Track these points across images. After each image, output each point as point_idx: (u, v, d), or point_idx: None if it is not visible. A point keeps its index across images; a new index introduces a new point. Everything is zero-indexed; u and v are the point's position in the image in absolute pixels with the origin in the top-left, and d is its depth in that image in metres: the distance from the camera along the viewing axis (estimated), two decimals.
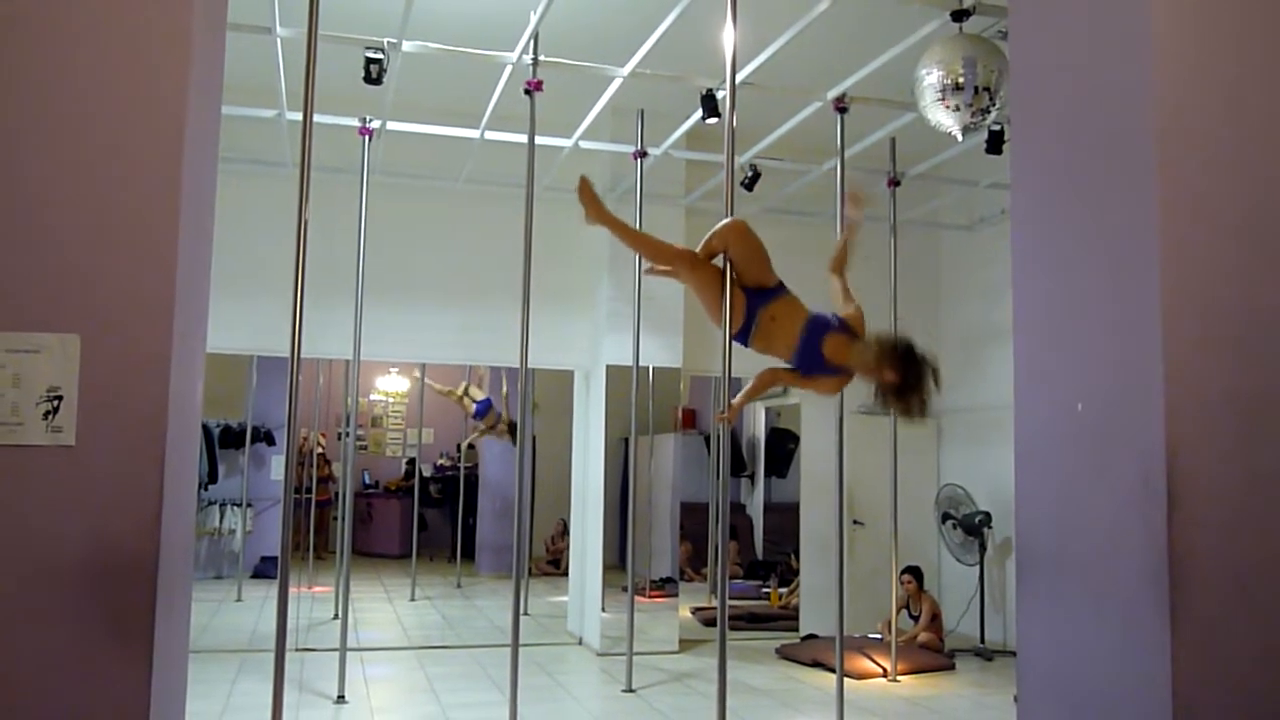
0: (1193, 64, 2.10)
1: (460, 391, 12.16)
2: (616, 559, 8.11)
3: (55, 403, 2.06)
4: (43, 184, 2.13)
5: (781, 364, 4.18)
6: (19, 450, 2.05)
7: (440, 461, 14.12)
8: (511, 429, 11.54)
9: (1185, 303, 2.02)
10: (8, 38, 2.14)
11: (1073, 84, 2.31)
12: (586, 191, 4.28)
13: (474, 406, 11.98)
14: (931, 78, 5.04)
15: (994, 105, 5.04)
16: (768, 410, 11.68)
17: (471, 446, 12.56)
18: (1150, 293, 2.03)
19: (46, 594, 2.04)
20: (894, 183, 7.32)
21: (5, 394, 2.04)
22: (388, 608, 9.96)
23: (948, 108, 5.06)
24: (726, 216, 4.45)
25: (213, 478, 10.97)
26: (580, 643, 8.19)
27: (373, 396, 14.74)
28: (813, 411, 8.78)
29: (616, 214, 7.66)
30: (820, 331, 4.02)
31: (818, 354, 4.03)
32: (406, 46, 5.59)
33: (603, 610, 7.82)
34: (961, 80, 4.96)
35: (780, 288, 4.21)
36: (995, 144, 6.28)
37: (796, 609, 8.80)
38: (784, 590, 9.68)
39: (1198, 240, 2.05)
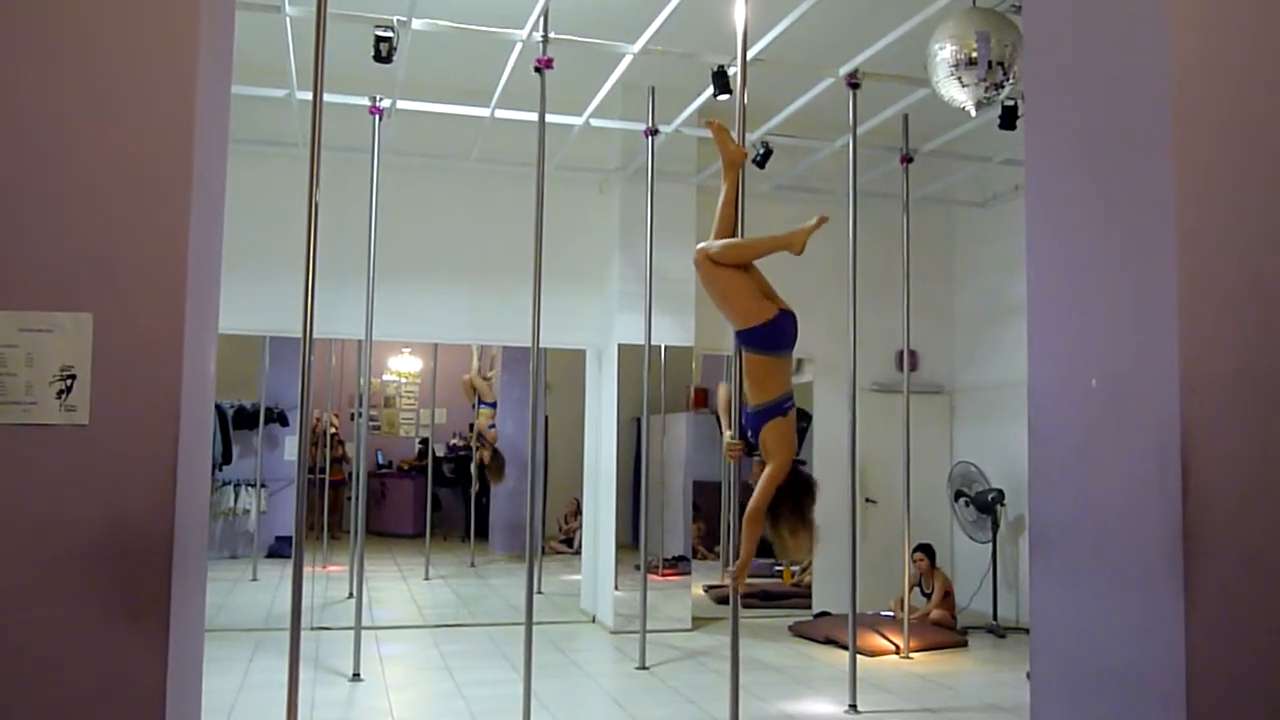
0: (1209, 37, 2.07)
1: (474, 371, 12.20)
2: (629, 538, 8.13)
3: (69, 382, 2.07)
4: (54, 165, 2.13)
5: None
6: (33, 429, 2.05)
7: (453, 441, 14.15)
8: (495, 460, 11.63)
9: (1201, 278, 2.00)
10: (18, 20, 2.14)
11: (1087, 58, 2.29)
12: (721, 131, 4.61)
13: (483, 404, 12.05)
14: (945, 53, 5.00)
15: (1008, 80, 5.00)
16: None
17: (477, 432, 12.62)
18: (1166, 268, 2.01)
19: (63, 572, 2.05)
20: (907, 159, 7.28)
21: (19, 373, 2.05)
22: (402, 586, 10.01)
23: (961, 83, 5.02)
24: (740, 193, 4.46)
25: (227, 458, 11.03)
26: (594, 620, 8.22)
27: (385, 377, 14.77)
28: (825, 390, 8.77)
29: (627, 193, 7.71)
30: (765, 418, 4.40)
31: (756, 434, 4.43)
32: (416, 24, 5.58)
33: (616, 588, 7.85)
34: (975, 55, 4.92)
35: (747, 335, 4.37)
36: (1009, 119, 6.23)
37: (809, 587, 8.82)
38: (796, 568, 9.70)
39: (1214, 216, 2.03)
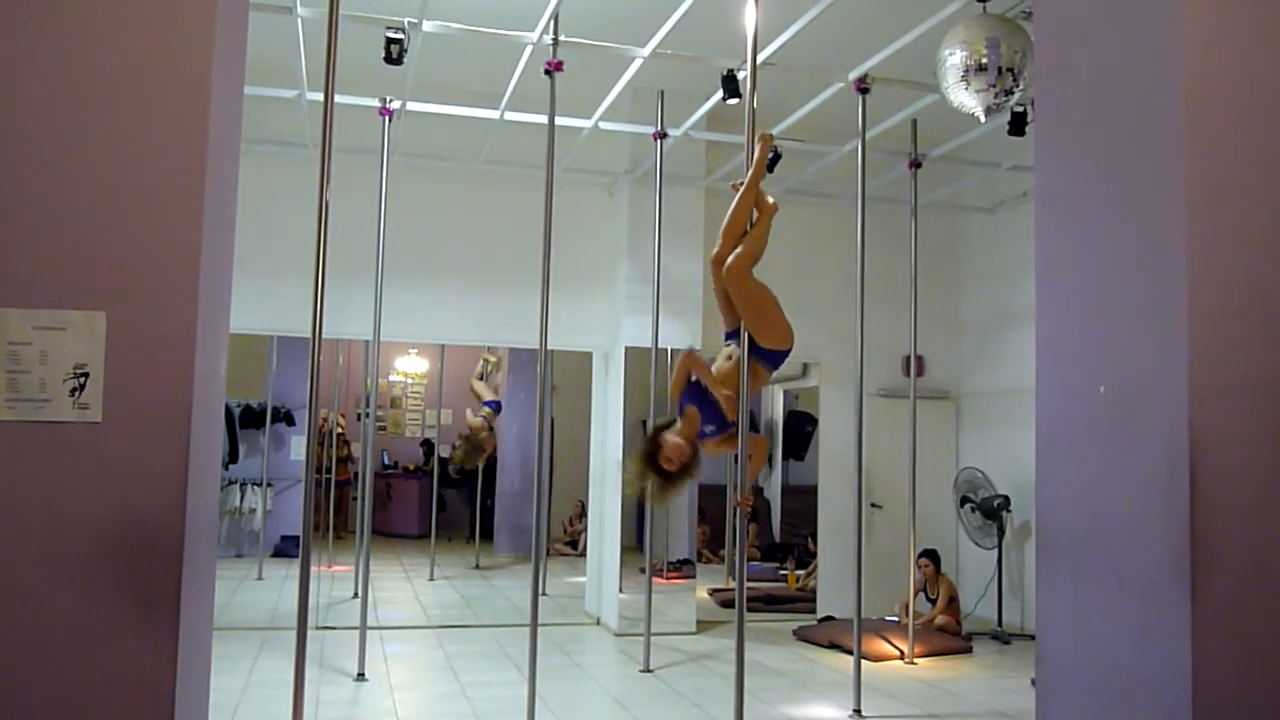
0: (1222, 44, 2.07)
1: (479, 371, 12.19)
2: (634, 540, 8.12)
3: (82, 379, 2.08)
4: (69, 165, 2.14)
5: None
6: (47, 426, 2.07)
7: (459, 442, 14.16)
8: (469, 445, 11.58)
9: (1212, 287, 2.00)
10: (34, 21, 2.15)
11: (1098, 65, 2.29)
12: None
13: (484, 403, 11.99)
14: (954, 58, 5.00)
15: (1017, 86, 5.00)
16: (786, 393, 11.67)
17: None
18: (1176, 276, 2.01)
19: (74, 569, 2.06)
20: (915, 164, 7.28)
21: (33, 370, 2.06)
22: (407, 587, 10.02)
23: (971, 89, 5.02)
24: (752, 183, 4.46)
25: (233, 457, 11.05)
26: (598, 623, 8.22)
27: (392, 377, 14.79)
28: (832, 394, 8.76)
29: (635, 196, 7.68)
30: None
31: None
32: (427, 26, 5.59)
33: (620, 591, 7.85)
34: (985, 61, 4.92)
35: (772, 355, 4.44)
36: (1018, 126, 6.23)
37: (814, 591, 8.81)
38: (801, 572, 9.70)
39: (1226, 223, 2.03)
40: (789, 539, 11.11)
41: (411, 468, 14.20)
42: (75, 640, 2.05)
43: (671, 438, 4.38)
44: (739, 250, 4.34)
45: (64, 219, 2.12)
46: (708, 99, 6.64)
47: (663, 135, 6.97)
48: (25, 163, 2.12)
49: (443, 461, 12.63)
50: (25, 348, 2.06)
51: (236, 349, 9.15)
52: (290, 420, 11.31)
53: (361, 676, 6.14)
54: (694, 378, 4.48)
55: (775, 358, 4.44)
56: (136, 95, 2.19)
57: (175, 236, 2.16)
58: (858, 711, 5.66)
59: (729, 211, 4.42)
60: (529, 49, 5.84)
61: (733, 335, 4.45)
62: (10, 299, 2.08)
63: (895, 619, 7.83)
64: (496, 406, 12.05)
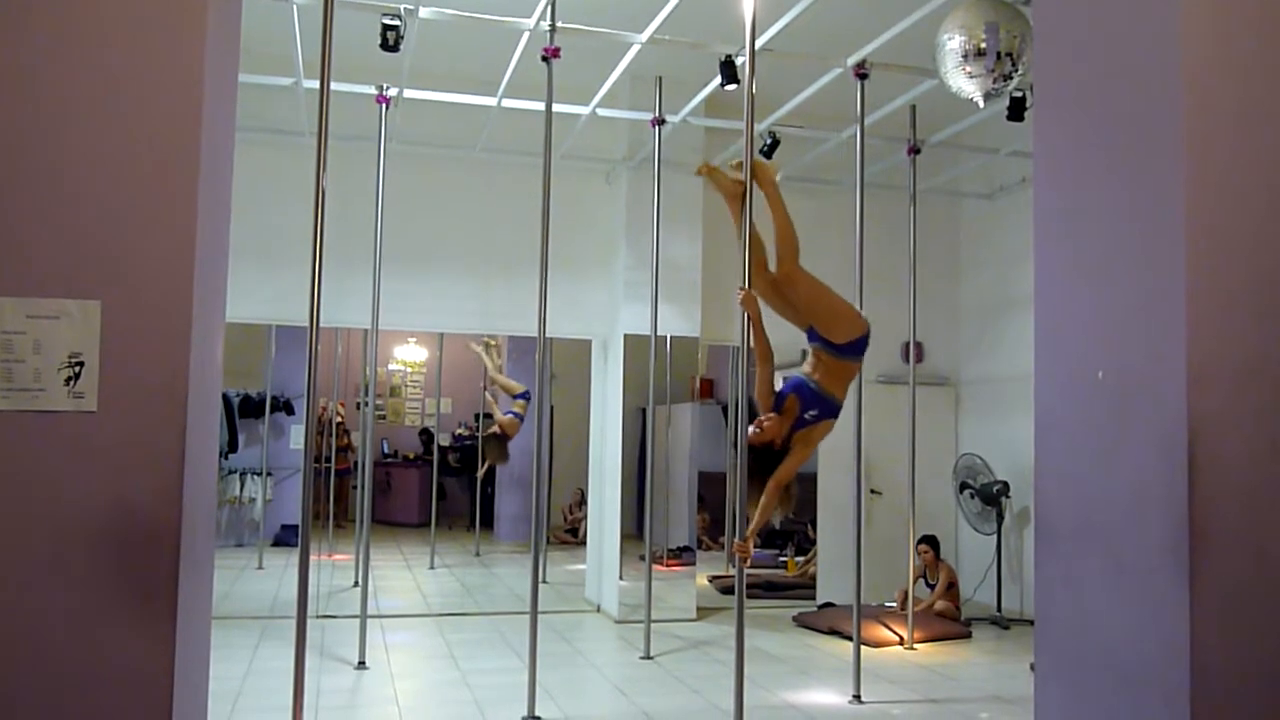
0: (1221, 31, 2.06)
1: (492, 370, 12.16)
2: (634, 528, 8.13)
3: (77, 368, 2.07)
4: (63, 153, 2.13)
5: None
6: (42, 416, 2.06)
7: (459, 431, 14.16)
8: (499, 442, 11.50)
9: (1210, 273, 2.00)
10: (26, 8, 2.14)
11: (1099, 49, 2.28)
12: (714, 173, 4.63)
13: (517, 396, 11.89)
14: (953, 43, 4.98)
15: (1016, 71, 4.98)
16: (785, 379, 11.65)
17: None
18: (1175, 261, 2.00)
19: (70, 558, 2.05)
20: (914, 151, 7.26)
21: (27, 360, 2.06)
22: (407, 575, 10.04)
23: (969, 74, 5.00)
24: (745, 182, 4.51)
25: (233, 446, 11.05)
26: (598, 610, 8.23)
27: (391, 366, 14.78)
28: None
29: (634, 183, 7.68)
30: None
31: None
32: (423, 13, 5.57)
33: (620, 578, 7.86)
34: (984, 46, 4.91)
35: (852, 346, 4.67)
36: (1017, 111, 6.21)
37: (813, 577, 8.83)
38: (801, 559, 9.71)
39: (1225, 210, 2.02)
40: (789, 526, 11.11)
41: (411, 456, 14.20)
42: (71, 631, 2.05)
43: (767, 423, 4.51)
44: (779, 254, 4.48)
45: (58, 207, 2.11)
46: (706, 85, 6.62)
47: (661, 121, 6.95)
48: (19, 151, 2.11)
49: (443, 450, 12.62)
50: (19, 337, 2.06)
51: (235, 338, 9.16)
52: (290, 409, 11.30)
53: (362, 665, 6.15)
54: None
55: (857, 347, 4.54)
56: (130, 83, 2.17)
57: (170, 225, 2.15)
58: (857, 697, 5.67)
59: (745, 246, 4.49)
60: (526, 35, 5.82)
61: (811, 334, 4.54)
62: (4, 288, 2.07)
63: (895, 605, 7.84)
64: (528, 395, 11.94)
